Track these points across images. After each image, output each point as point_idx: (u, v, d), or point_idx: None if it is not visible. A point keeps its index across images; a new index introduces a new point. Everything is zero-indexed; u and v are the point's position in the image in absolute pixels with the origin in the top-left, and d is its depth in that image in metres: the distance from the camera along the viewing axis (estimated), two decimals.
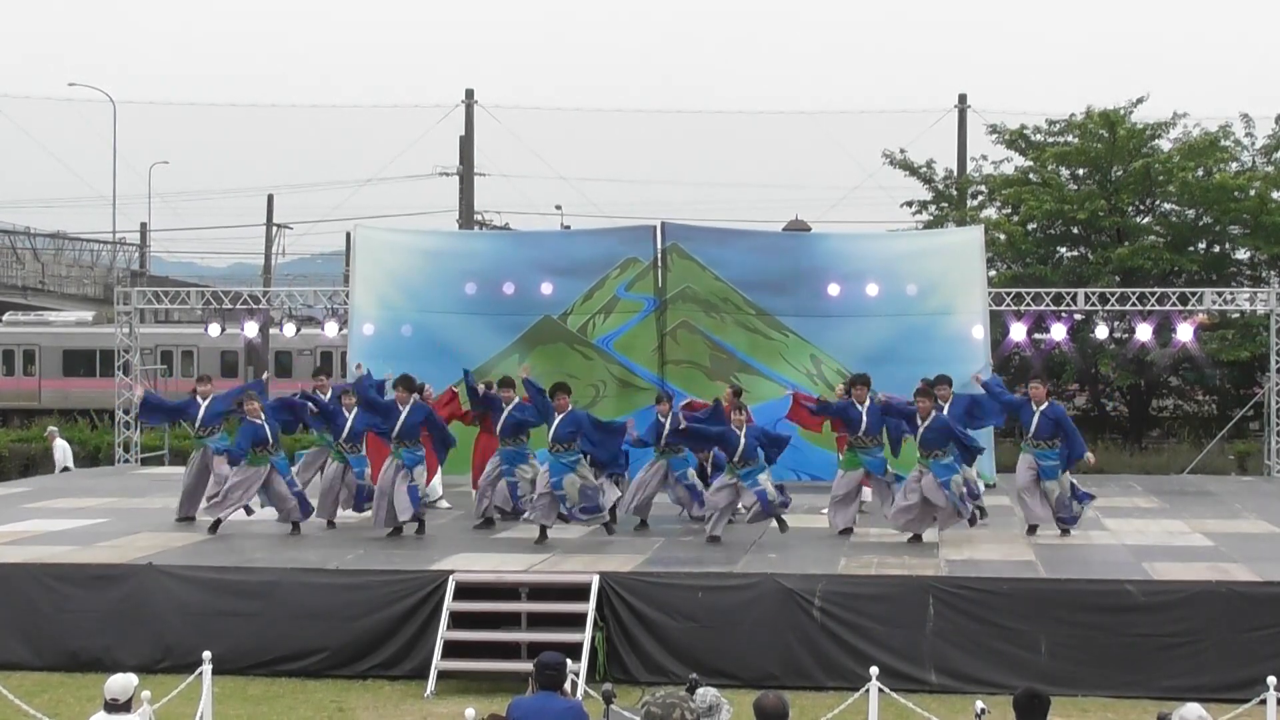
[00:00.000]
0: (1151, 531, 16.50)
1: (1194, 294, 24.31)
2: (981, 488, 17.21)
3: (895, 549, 14.90)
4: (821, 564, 13.88)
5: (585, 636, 12.78)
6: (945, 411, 15.58)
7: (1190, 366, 29.00)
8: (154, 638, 13.39)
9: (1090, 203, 28.44)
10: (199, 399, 17.18)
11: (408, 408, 15.90)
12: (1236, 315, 28.38)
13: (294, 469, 16.96)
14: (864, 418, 15.84)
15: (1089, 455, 16.19)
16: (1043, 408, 15.92)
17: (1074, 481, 16.07)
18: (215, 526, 16.06)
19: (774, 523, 15.43)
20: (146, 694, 9.20)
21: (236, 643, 13.21)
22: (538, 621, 13.21)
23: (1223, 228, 29.35)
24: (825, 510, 16.55)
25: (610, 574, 13.37)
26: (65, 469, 26.02)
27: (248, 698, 12.53)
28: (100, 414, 33.20)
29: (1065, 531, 15.82)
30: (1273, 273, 29.77)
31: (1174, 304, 24.14)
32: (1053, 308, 24.05)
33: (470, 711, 8.62)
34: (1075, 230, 29.74)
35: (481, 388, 17.33)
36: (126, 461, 25.43)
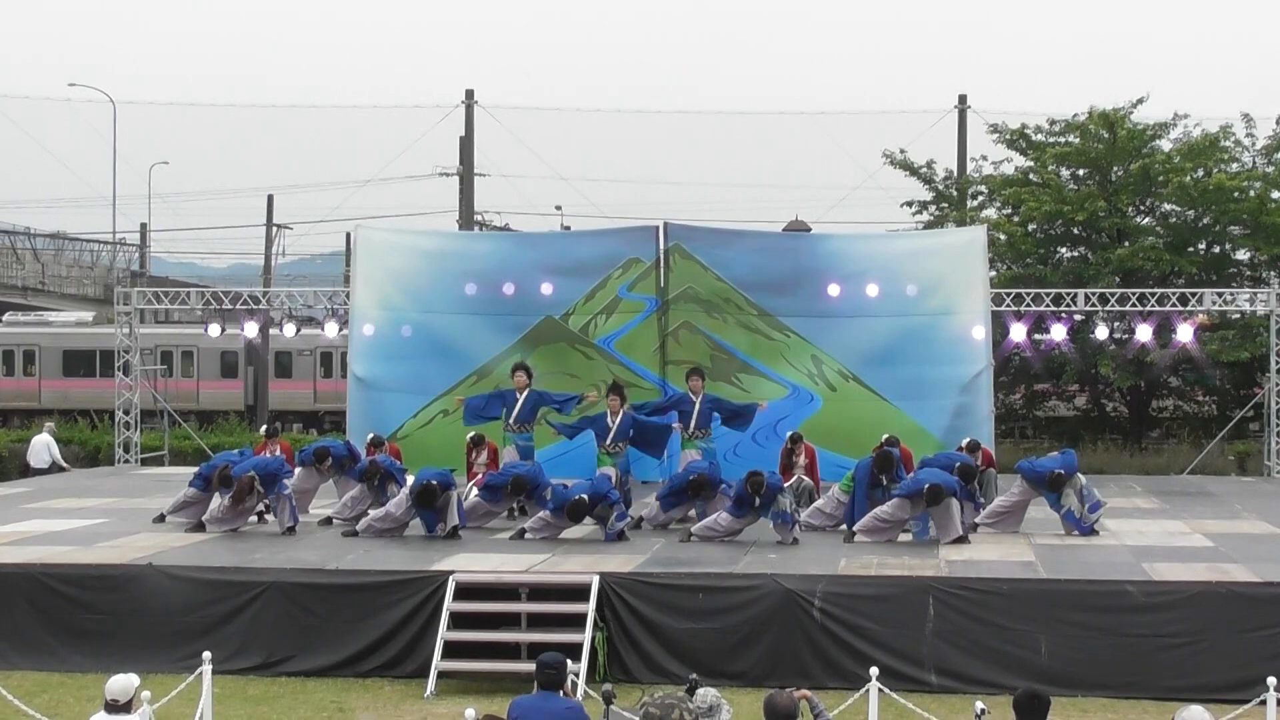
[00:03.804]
0: (1151, 532, 16.50)
1: (1194, 295, 24.30)
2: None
3: (895, 549, 14.90)
4: (822, 564, 13.88)
5: (585, 637, 12.78)
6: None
7: (1190, 367, 28.96)
8: (154, 638, 13.38)
9: (1090, 203, 28.41)
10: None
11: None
12: (1236, 316, 28.35)
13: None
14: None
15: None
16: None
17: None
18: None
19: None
20: (146, 694, 9.22)
21: (236, 643, 13.24)
22: (538, 622, 13.21)
23: (1222, 228, 29.31)
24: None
25: (610, 574, 13.37)
26: (25, 464, 25.60)
27: (248, 698, 12.54)
28: (100, 414, 33.19)
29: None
30: (1273, 273, 29.72)
31: (1174, 305, 24.13)
32: (1053, 308, 24.04)
33: (470, 711, 8.62)
34: (1075, 231, 29.69)
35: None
36: (126, 461, 25.43)
